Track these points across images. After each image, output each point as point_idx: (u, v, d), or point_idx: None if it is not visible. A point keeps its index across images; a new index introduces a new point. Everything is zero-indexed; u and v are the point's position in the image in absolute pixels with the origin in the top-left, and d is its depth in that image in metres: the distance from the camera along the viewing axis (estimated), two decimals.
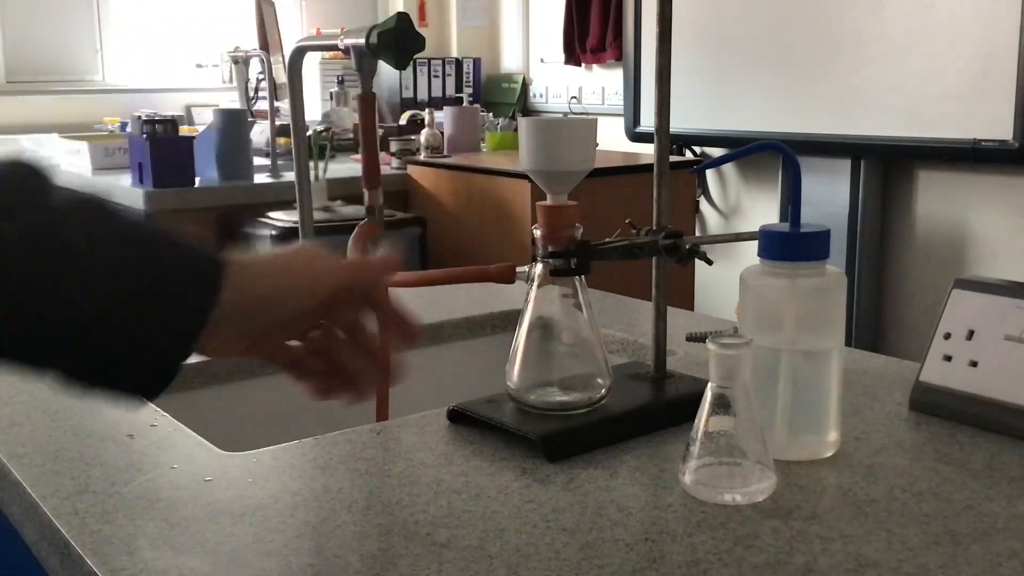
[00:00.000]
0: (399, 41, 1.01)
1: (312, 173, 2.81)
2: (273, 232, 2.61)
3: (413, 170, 3.18)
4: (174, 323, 0.60)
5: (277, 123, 3.22)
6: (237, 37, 4.68)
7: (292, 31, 4.97)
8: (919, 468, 0.79)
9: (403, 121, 3.91)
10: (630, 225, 0.91)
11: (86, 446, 0.85)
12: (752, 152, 0.84)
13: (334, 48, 1.10)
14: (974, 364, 0.87)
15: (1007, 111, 2.80)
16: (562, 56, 4.62)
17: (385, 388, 0.92)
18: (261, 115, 3.59)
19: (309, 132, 2.92)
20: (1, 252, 0.55)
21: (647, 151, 3.22)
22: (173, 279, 0.60)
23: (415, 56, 1.03)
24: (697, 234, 3.84)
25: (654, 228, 0.90)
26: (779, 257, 0.78)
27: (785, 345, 0.78)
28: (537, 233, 0.83)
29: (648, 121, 3.87)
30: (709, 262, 0.91)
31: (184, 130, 3.57)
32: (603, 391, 0.86)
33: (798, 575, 0.62)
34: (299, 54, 1.21)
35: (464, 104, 4.39)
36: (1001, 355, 0.86)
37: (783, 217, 3.49)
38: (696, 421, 0.73)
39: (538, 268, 0.84)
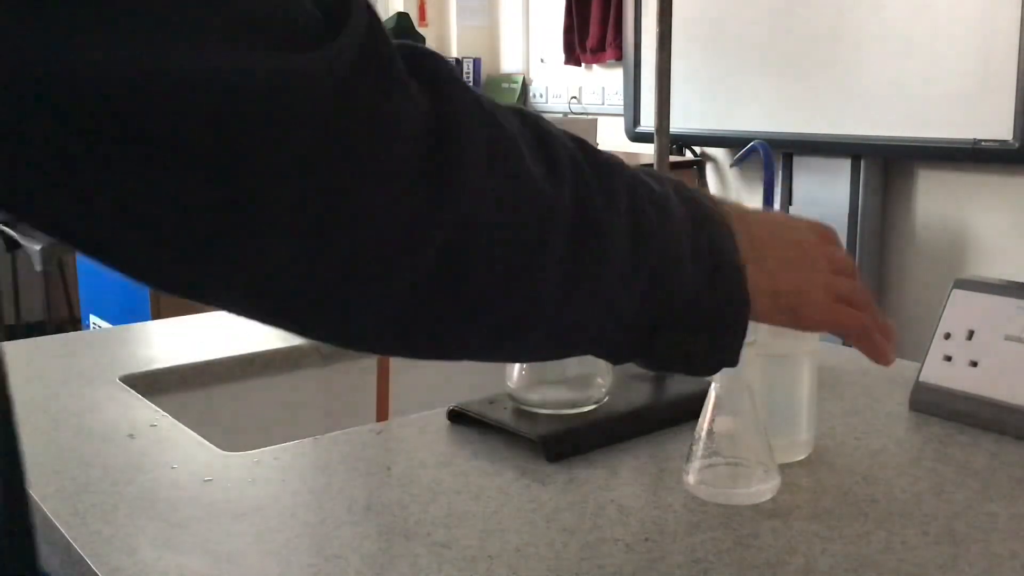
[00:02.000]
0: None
1: None
2: None
3: None
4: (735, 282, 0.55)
5: None
6: None
7: None
8: (919, 468, 0.79)
9: None
10: None
11: (86, 446, 0.85)
12: (747, 155, 0.84)
13: None
14: (974, 364, 0.87)
15: (1007, 111, 2.80)
16: (562, 56, 4.62)
17: (385, 388, 0.92)
18: None
19: None
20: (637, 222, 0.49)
21: (647, 151, 3.22)
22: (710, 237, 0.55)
23: None
24: None
25: None
26: None
27: (756, 348, 0.78)
28: None
29: (648, 121, 3.87)
30: None
31: None
32: (603, 391, 0.86)
33: (798, 575, 0.62)
34: None
35: None
36: (1001, 355, 0.86)
37: None
38: (699, 421, 0.73)
39: None
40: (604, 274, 0.49)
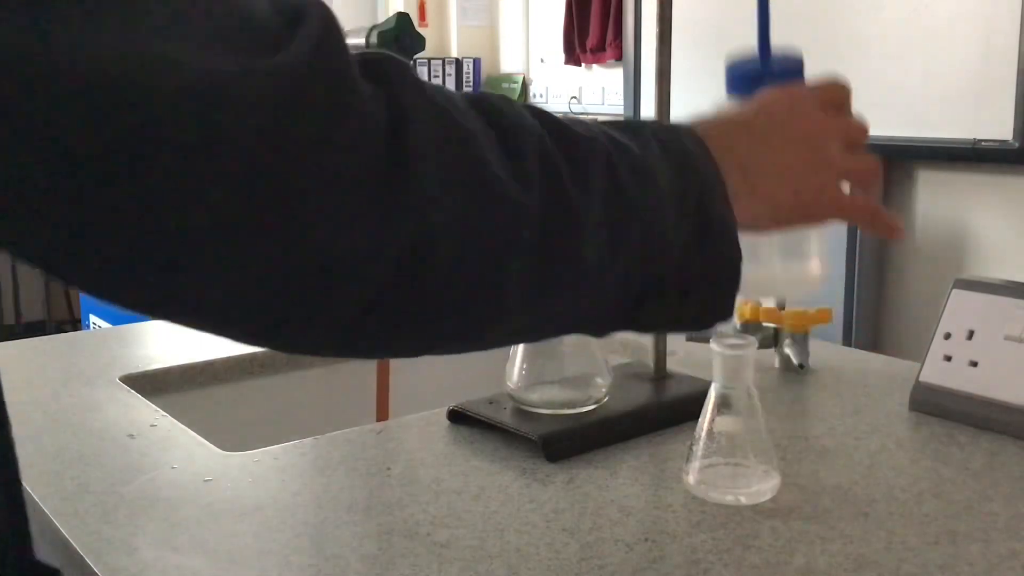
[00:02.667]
0: (399, 41, 1.01)
1: None
2: None
3: None
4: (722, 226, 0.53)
5: None
6: None
7: None
8: (919, 468, 0.79)
9: None
10: None
11: (86, 446, 0.85)
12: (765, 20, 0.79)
13: None
14: (974, 364, 0.87)
15: (1007, 111, 2.80)
16: (562, 56, 4.62)
17: (385, 388, 0.92)
18: None
19: None
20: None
21: None
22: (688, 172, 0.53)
23: (415, 56, 1.03)
24: None
25: None
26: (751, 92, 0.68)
27: None
28: None
29: None
30: None
31: None
32: (603, 391, 0.86)
33: (798, 575, 0.62)
34: None
35: None
36: (1001, 355, 0.86)
37: None
38: (700, 421, 0.73)
39: None
40: (579, 267, 0.47)
